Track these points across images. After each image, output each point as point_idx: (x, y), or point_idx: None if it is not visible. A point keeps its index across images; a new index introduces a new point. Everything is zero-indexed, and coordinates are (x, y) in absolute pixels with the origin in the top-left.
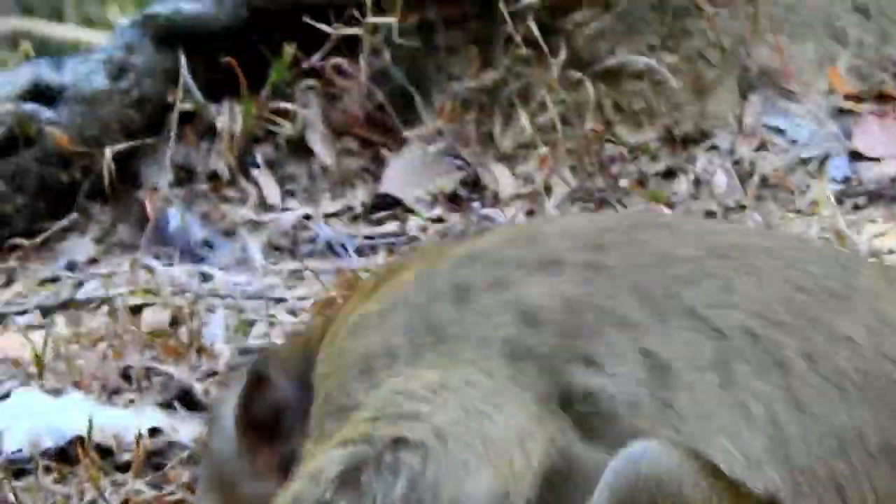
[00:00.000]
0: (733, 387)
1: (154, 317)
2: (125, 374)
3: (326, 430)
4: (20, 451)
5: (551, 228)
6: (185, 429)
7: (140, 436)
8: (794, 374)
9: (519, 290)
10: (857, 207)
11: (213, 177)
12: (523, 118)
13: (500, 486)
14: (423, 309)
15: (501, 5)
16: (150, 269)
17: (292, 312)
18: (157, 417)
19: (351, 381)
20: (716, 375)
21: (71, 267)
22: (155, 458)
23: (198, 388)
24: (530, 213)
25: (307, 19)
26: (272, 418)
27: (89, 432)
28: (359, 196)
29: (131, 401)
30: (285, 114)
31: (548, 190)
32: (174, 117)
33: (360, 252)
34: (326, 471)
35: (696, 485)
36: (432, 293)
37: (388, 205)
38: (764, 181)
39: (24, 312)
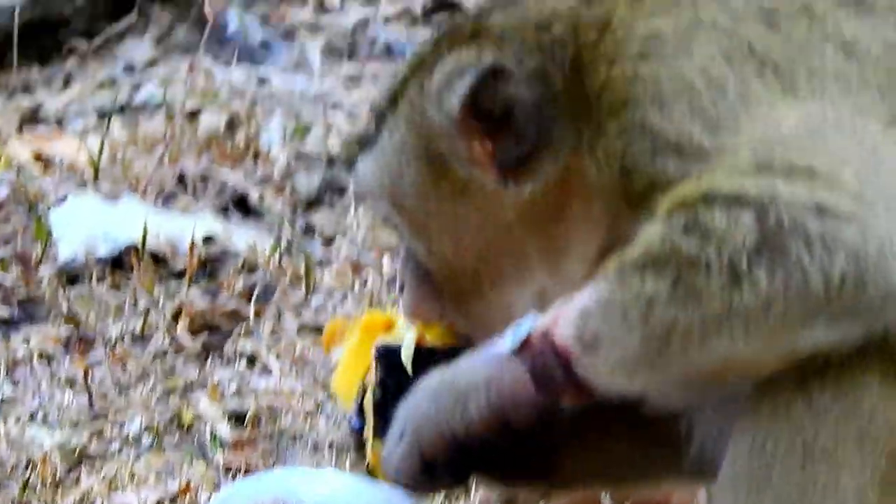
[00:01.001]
0: None
1: (211, 120)
2: (181, 179)
3: (660, 171)
4: (74, 258)
5: None
6: (239, 235)
7: (194, 243)
8: None
9: (832, 24)
10: None
11: None
12: None
13: None
14: (730, 31)
15: None
16: (208, 72)
17: (350, 116)
18: (211, 224)
19: (679, 116)
20: None
21: (129, 69)
22: (209, 266)
23: (253, 193)
24: None
25: None
26: (501, 111)
27: (144, 239)
28: (418, 0)
29: (186, 206)
30: None
31: None
32: None
33: None
34: (733, 232)
35: None
36: (733, 12)
37: (446, 6)
38: None
39: (80, 116)
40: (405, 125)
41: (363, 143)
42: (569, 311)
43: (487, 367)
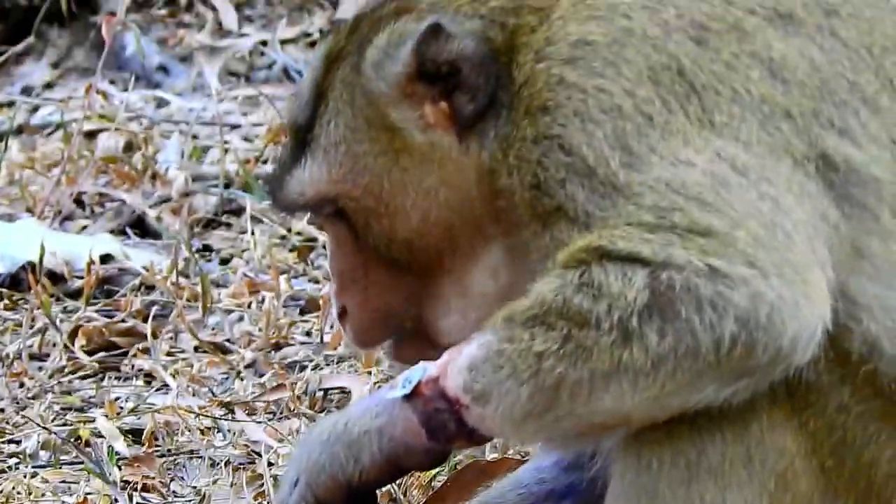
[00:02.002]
0: None
1: (108, 142)
2: (78, 200)
3: (568, 199)
4: None
5: None
6: (137, 255)
7: (92, 262)
8: None
9: (761, 42)
10: None
11: (171, 2)
12: None
13: (819, 316)
14: (660, 46)
15: None
16: (105, 95)
17: (247, 139)
18: (109, 244)
19: (601, 145)
20: None
21: (27, 91)
22: (107, 286)
23: (151, 214)
24: None
25: None
26: (447, 70)
27: (41, 258)
28: (316, 22)
29: (84, 227)
30: None
31: None
32: None
33: None
34: (625, 292)
35: None
36: (665, 25)
37: None
38: None
39: None
40: (348, 110)
41: (285, 161)
42: (459, 361)
43: (379, 415)
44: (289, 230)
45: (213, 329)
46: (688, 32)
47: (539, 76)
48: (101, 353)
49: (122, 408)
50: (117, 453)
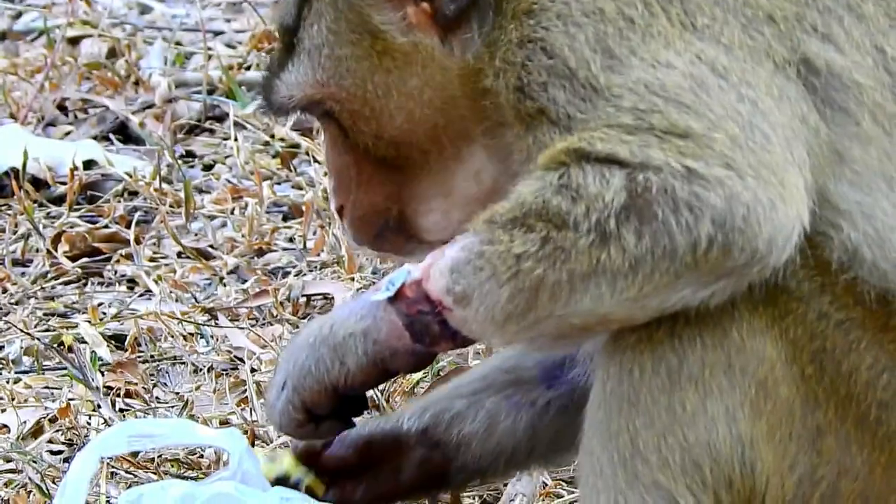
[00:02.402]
0: None
1: (92, 48)
2: (62, 106)
3: (549, 101)
4: None
5: None
6: (120, 161)
7: (75, 168)
8: None
9: None
10: None
11: None
12: None
13: (796, 217)
14: None
15: None
16: (88, 1)
17: (230, 45)
18: (92, 150)
19: (582, 47)
20: None
21: None
22: (89, 191)
23: (134, 120)
24: None
25: None
26: None
27: (24, 164)
28: None
29: (67, 133)
30: None
31: None
32: None
33: None
34: (602, 193)
35: None
36: None
37: None
38: None
39: None
40: (330, 12)
41: (274, 62)
42: (441, 263)
43: (364, 318)
44: (272, 136)
45: (195, 235)
46: None
47: None
48: (84, 259)
49: (104, 313)
50: (100, 359)
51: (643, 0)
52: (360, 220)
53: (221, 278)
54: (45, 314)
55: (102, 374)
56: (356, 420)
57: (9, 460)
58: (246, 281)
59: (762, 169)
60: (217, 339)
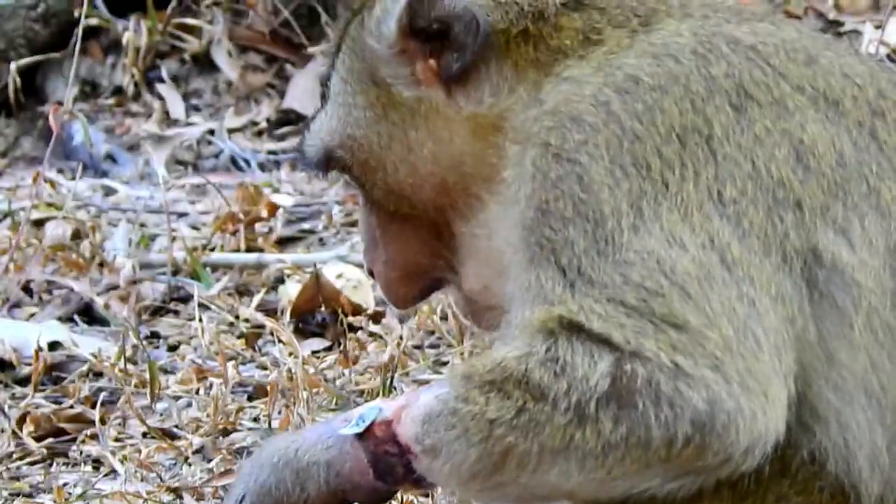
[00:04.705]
0: None
1: (56, 231)
2: (26, 288)
3: (575, 257)
4: None
5: (827, 57)
6: (85, 343)
7: (40, 349)
8: None
9: (798, 122)
10: None
11: (118, 91)
12: None
13: (774, 431)
14: (698, 107)
15: None
16: (53, 183)
17: (194, 227)
18: (57, 331)
19: (622, 198)
20: None
21: None
22: (55, 372)
23: (98, 301)
24: None
25: None
26: (438, 27)
27: None
28: (263, 111)
29: (32, 314)
30: (191, 29)
31: None
32: (79, 32)
33: (263, 167)
34: (587, 375)
35: None
36: (711, 83)
37: (291, 120)
38: None
39: None
40: (349, 62)
41: (313, 115)
42: (414, 411)
43: (329, 448)
44: (236, 317)
45: (161, 415)
46: (729, 97)
47: (590, 84)
48: (50, 440)
49: (70, 493)
50: None
51: (681, 160)
52: (396, 282)
53: (187, 458)
54: (10, 494)
55: None
56: None
57: None
58: (211, 460)
59: (749, 377)
60: None
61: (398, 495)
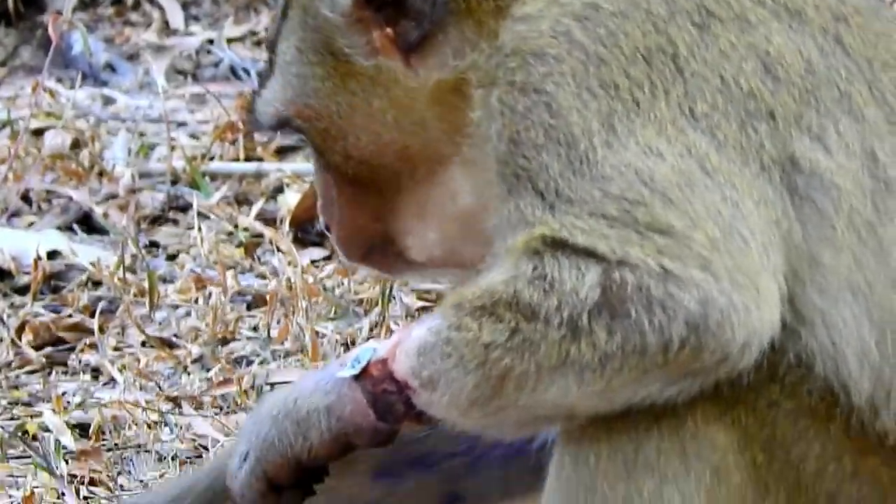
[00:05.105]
0: None
1: (55, 140)
2: (25, 197)
3: (552, 179)
4: None
5: None
6: (84, 252)
7: (39, 258)
8: None
9: (762, 35)
10: None
11: (117, 1)
12: None
13: (769, 324)
14: (661, 28)
15: None
16: (52, 93)
17: (194, 136)
18: (56, 240)
19: (591, 118)
20: None
21: None
22: (54, 281)
23: (97, 211)
24: None
25: None
26: None
27: None
28: (262, 21)
29: (31, 223)
30: None
31: None
32: None
33: None
34: (577, 288)
35: None
36: (672, 4)
37: None
38: None
39: None
40: (301, 31)
41: (260, 78)
42: (408, 345)
43: (328, 394)
44: (235, 226)
45: (160, 324)
46: (691, 16)
47: (545, 18)
48: (48, 349)
49: (69, 402)
50: (64, 447)
51: (650, 80)
52: (346, 240)
53: (185, 367)
54: (9, 403)
55: (67, 463)
56: (317, 487)
57: None
58: (210, 370)
59: (738, 273)
60: (181, 428)
61: None
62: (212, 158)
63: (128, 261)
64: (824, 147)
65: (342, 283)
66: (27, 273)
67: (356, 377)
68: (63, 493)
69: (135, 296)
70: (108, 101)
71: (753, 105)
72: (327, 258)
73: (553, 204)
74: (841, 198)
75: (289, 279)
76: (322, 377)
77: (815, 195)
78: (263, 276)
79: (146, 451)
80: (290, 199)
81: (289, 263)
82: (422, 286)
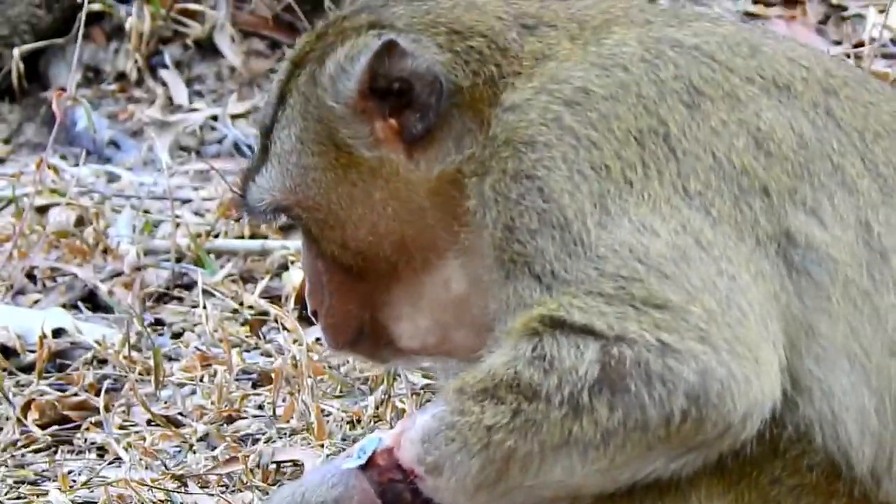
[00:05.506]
0: None
1: (60, 217)
2: (30, 275)
3: (548, 262)
4: None
5: (769, 46)
6: (89, 330)
7: (44, 336)
8: None
9: (752, 111)
10: None
11: (121, 77)
12: None
13: (770, 393)
14: (652, 109)
15: None
16: (56, 170)
17: (198, 213)
18: (61, 318)
19: (583, 200)
20: None
21: None
22: (59, 360)
23: (102, 288)
24: None
25: None
26: (399, 88)
27: None
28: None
29: (36, 301)
30: (194, 14)
31: None
32: (82, 17)
33: None
34: (576, 365)
35: None
36: (661, 84)
37: None
38: None
39: None
40: (300, 120)
41: (252, 165)
42: (412, 433)
43: (335, 486)
44: (240, 304)
45: (165, 402)
46: (681, 96)
47: (534, 107)
48: (54, 427)
49: (74, 481)
50: None
51: (643, 161)
52: (334, 327)
53: (191, 445)
54: (15, 482)
55: None
56: None
57: None
58: (215, 448)
59: (737, 344)
60: None
61: None
62: (216, 235)
63: (133, 339)
64: (819, 220)
65: (347, 362)
66: (32, 351)
67: (362, 467)
68: None
69: (140, 374)
70: (112, 177)
71: (747, 181)
72: None
73: (550, 286)
74: (837, 269)
75: (294, 357)
76: (328, 469)
77: (812, 268)
78: (269, 354)
79: None
80: (295, 277)
81: (294, 341)
82: (425, 364)
